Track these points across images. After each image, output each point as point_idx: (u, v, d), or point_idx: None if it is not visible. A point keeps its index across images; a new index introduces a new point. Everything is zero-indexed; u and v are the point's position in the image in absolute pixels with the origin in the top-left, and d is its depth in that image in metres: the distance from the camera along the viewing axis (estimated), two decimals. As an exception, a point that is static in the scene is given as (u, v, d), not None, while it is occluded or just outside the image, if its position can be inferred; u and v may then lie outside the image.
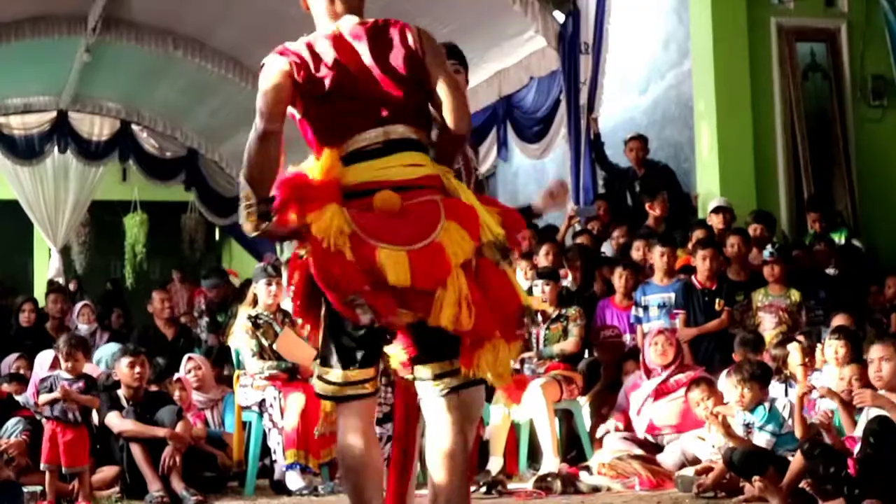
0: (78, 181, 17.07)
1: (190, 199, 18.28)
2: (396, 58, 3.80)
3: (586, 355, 8.57)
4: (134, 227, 18.81)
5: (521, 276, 8.86)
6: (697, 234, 9.02)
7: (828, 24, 10.89)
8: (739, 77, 10.32)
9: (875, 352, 6.01)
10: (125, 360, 7.53)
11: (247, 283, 9.49)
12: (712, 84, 10.30)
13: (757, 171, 10.32)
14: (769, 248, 8.66)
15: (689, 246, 9.00)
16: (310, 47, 3.84)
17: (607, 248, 10.00)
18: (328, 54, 3.80)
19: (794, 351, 7.03)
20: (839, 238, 9.69)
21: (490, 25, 11.61)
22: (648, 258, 8.83)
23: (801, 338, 7.30)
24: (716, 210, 9.53)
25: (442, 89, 3.79)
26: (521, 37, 11.66)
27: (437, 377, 3.69)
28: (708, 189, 10.27)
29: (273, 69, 3.85)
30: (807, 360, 6.96)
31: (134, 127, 16.82)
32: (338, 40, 3.84)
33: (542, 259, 9.07)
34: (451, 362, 3.69)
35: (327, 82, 3.78)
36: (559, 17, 11.06)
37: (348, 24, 3.89)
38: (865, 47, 10.90)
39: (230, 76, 14.09)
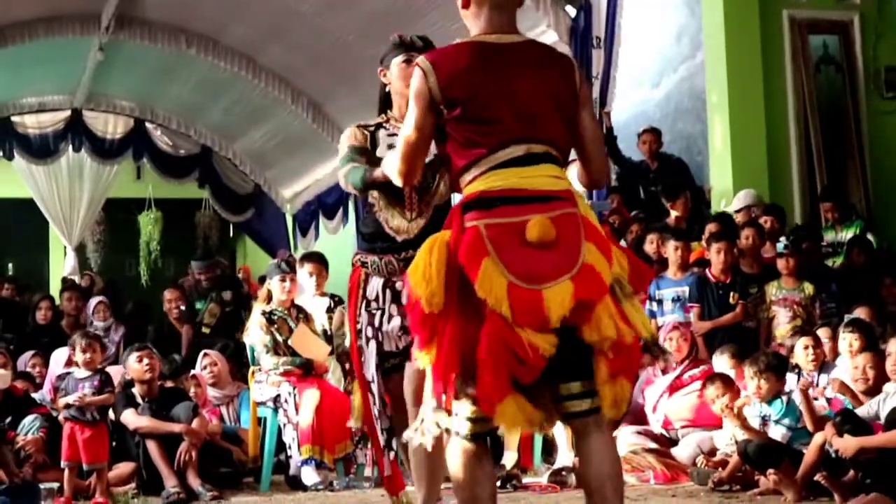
0: (92, 179, 17.10)
1: (204, 196, 18.29)
2: (559, 87, 3.76)
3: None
4: (148, 224, 18.85)
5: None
6: (711, 227, 9.01)
7: (840, 16, 10.89)
8: (752, 69, 10.32)
9: (893, 345, 6.01)
10: (133, 356, 7.58)
11: (261, 280, 9.53)
12: (725, 77, 10.30)
13: (770, 164, 10.32)
14: (783, 240, 8.65)
15: (703, 239, 9.01)
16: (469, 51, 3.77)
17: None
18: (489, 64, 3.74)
19: (799, 346, 7.03)
20: (854, 230, 9.67)
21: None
22: (662, 252, 8.83)
23: (820, 332, 7.31)
24: (743, 209, 9.52)
25: (588, 138, 3.82)
26: (534, 31, 11.61)
27: (585, 395, 3.54)
28: (721, 182, 10.27)
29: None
30: (817, 352, 6.95)
31: (148, 125, 16.83)
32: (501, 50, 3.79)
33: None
34: (591, 382, 3.54)
35: (481, 93, 3.68)
36: (571, 11, 11.03)
37: (512, 38, 3.86)
38: (878, 39, 10.90)
39: (243, 73, 14.10)
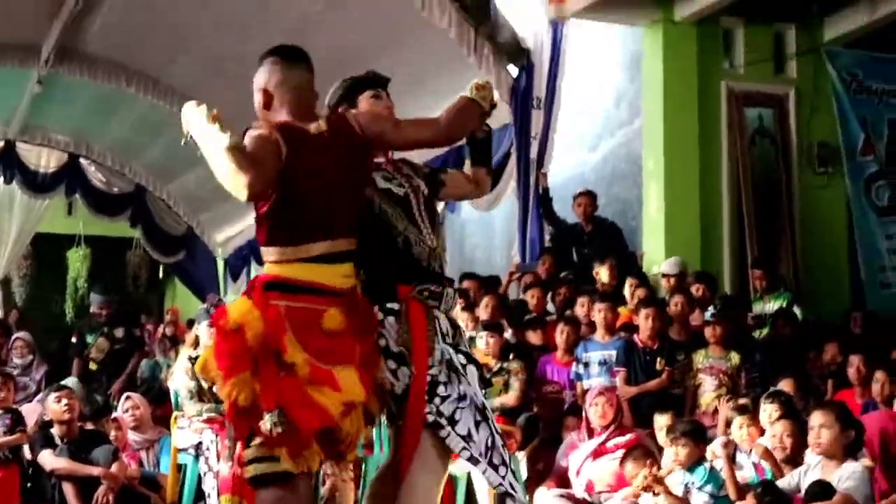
0: (22, 213, 16.90)
1: (135, 235, 18.14)
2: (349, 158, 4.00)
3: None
4: (77, 261, 18.64)
5: (463, 326, 8.86)
6: (640, 293, 9.07)
7: (776, 90, 11.06)
8: (689, 138, 10.45)
9: (815, 418, 6.05)
10: (52, 396, 7.47)
11: (189, 323, 9.43)
12: (662, 144, 10.41)
13: (703, 233, 10.43)
14: (711, 308, 8.71)
15: (629, 303, 9.08)
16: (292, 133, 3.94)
17: (550, 304, 9.99)
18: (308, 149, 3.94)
19: (735, 424, 7.05)
20: (782, 302, 9.78)
21: (444, 76, 11.66)
22: (591, 314, 8.86)
23: (742, 401, 7.35)
24: (664, 275, 9.61)
25: (399, 136, 4.10)
26: (475, 89, 11.71)
27: None
28: (654, 248, 10.35)
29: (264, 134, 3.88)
30: (750, 431, 6.97)
31: (82, 160, 16.68)
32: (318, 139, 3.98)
33: (483, 311, 9.08)
34: None
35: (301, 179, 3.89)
36: (513, 71, 11.14)
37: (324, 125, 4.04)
38: (812, 115, 11.07)
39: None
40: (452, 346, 4.23)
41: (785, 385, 7.46)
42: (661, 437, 7.21)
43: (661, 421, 7.30)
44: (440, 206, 4.77)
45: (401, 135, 4.12)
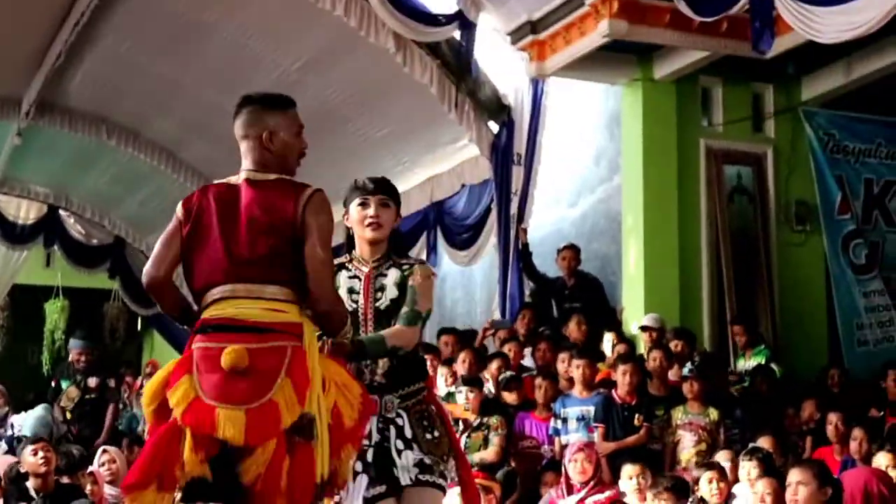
0: (0, 263, 16.85)
1: (114, 287, 18.09)
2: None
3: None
4: (55, 312, 18.57)
5: (442, 381, 8.85)
6: (619, 348, 9.08)
7: (755, 148, 11.15)
8: (668, 195, 10.52)
9: (793, 475, 6.06)
10: (28, 449, 7.39)
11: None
12: (641, 201, 10.47)
13: (681, 288, 10.47)
14: (689, 364, 8.73)
15: (608, 358, 9.09)
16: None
17: (529, 360, 9.97)
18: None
19: (704, 479, 7.05)
20: (760, 359, 9.80)
21: (425, 132, 11.74)
22: (570, 370, 8.85)
23: (721, 455, 7.34)
24: (643, 328, 9.62)
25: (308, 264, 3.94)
26: (455, 144, 11.79)
27: None
28: (633, 303, 10.38)
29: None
30: (721, 485, 6.96)
31: (61, 212, 16.66)
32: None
33: (460, 366, 9.07)
34: None
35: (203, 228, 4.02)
36: (494, 127, 11.21)
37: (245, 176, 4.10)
38: (790, 173, 11.16)
39: (163, 167, 14.06)
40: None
41: (764, 442, 7.46)
42: (629, 486, 7.22)
43: (629, 471, 7.30)
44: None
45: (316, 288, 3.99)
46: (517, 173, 10.90)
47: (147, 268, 4.06)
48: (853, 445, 7.34)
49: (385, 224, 4.63)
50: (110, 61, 12.30)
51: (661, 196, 10.51)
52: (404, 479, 4.50)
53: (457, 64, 10.76)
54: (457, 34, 10.41)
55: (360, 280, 4.61)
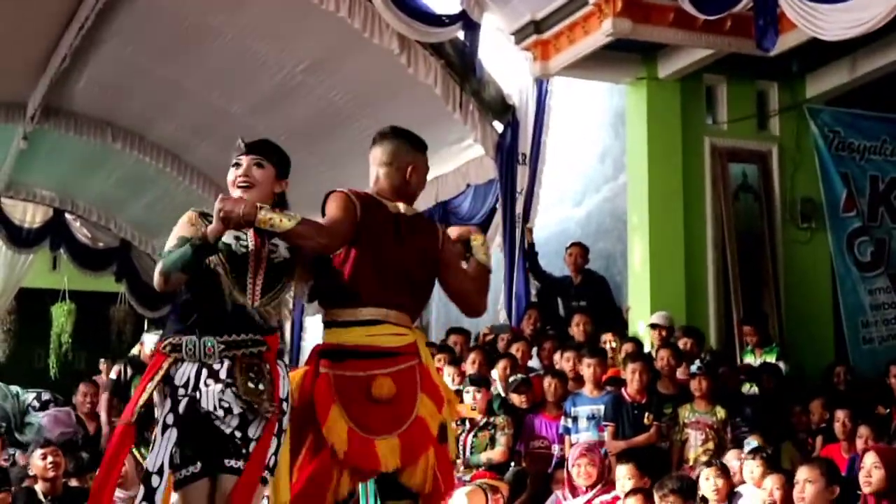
0: (6, 268, 16.89)
1: (120, 290, 18.11)
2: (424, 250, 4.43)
3: (513, 464, 8.52)
4: (61, 316, 18.59)
5: (449, 380, 8.86)
6: (627, 347, 9.08)
7: (760, 146, 11.14)
8: (673, 193, 10.51)
9: (801, 473, 6.07)
10: (38, 453, 7.36)
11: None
12: (646, 199, 10.47)
13: (687, 287, 10.46)
14: (697, 362, 8.73)
15: (613, 355, 9.09)
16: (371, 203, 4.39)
17: (535, 360, 9.97)
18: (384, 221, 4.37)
19: (703, 476, 7.05)
20: (772, 356, 9.79)
21: (430, 132, 11.64)
22: (578, 369, 8.86)
23: (731, 455, 7.35)
24: (652, 325, 9.62)
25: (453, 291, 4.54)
26: (460, 144, 11.81)
27: None
28: (640, 302, 10.37)
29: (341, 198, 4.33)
30: (719, 483, 6.95)
31: (67, 216, 16.69)
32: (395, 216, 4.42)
33: (469, 367, 9.08)
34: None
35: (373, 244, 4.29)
36: (498, 127, 11.22)
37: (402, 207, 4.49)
38: (795, 170, 11.15)
39: (168, 170, 14.08)
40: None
41: (756, 440, 7.52)
42: (622, 486, 7.22)
43: (623, 471, 7.30)
44: None
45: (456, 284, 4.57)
46: (522, 173, 10.92)
47: (322, 239, 4.12)
48: (859, 443, 7.33)
49: (260, 183, 4.29)
50: (115, 65, 12.32)
51: (667, 195, 10.51)
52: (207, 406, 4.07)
53: (461, 64, 10.78)
54: (461, 34, 10.43)
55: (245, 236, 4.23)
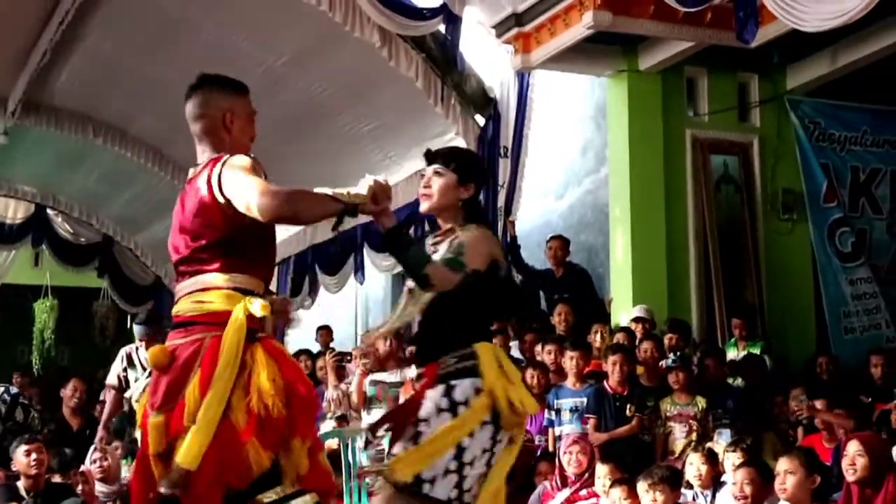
0: (-12, 264, 16.83)
1: (102, 285, 18.07)
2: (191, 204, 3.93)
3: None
4: (43, 312, 18.54)
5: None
6: (619, 336, 9.09)
7: (741, 137, 11.18)
8: (654, 186, 10.54)
9: (781, 464, 6.09)
10: (21, 449, 7.34)
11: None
12: (628, 192, 10.49)
13: (669, 278, 10.48)
14: (671, 356, 8.75)
15: (601, 346, 9.11)
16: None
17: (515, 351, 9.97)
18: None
19: (688, 462, 7.08)
20: (757, 348, 9.82)
21: (411, 126, 11.74)
22: (559, 361, 8.86)
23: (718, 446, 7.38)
24: (636, 319, 9.64)
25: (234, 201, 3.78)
26: (442, 138, 11.79)
27: None
28: (622, 294, 10.40)
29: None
30: (702, 469, 7.00)
31: (49, 211, 16.63)
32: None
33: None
34: None
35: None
36: (480, 120, 11.22)
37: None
38: (777, 162, 11.19)
39: (149, 165, 14.04)
40: None
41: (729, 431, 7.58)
42: (600, 485, 7.24)
43: (602, 471, 7.30)
44: None
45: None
46: (504, 166, 10.93)
47: None
48: (838, 431, 7.37)
49: (436, 194, 4.30)
50: (95, 60, 12.28)
51: (648, 187, 10.53)
52: None
53: (442, 57, 10.77)
54: (442, 28, 10.43)
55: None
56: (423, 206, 4.33)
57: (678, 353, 8.94)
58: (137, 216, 16.05)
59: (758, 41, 9.00)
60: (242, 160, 3.83)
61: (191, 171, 4.00)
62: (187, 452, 3.64)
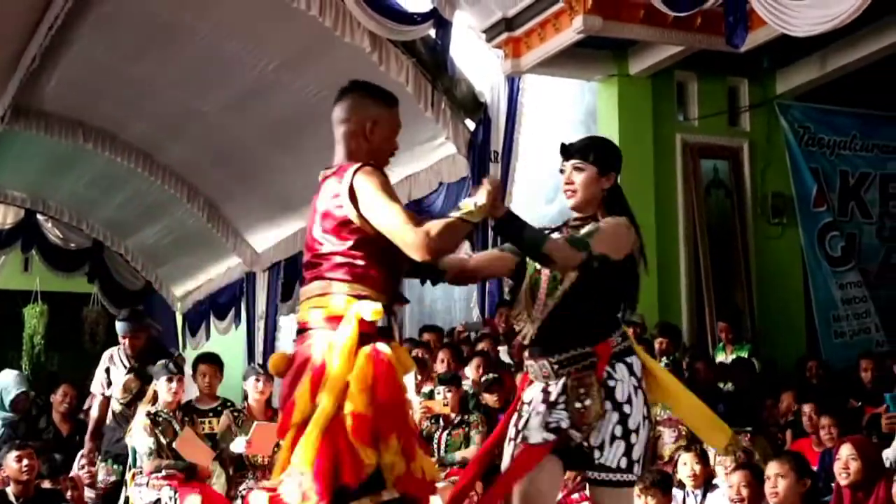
0: (-22, 270, 16.79)
1: (92, 290, 18.03)
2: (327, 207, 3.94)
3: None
4: (33, 317, 18.49)
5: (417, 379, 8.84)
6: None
7: (731, 142, 11.21)
8: (644, 190, 10.54)
9: (771, 468, 6.10)
10: (12, 455, 7.30)
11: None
12: (618, 196, 10.48)
13: (660, 283, 10.48)
14: (664, 360, 8.76)
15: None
16: None
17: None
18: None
19: (680, 462, 7.09)
20: (745, 353, 9.83)
21: (402, 130, 11.73)
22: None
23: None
24: (626, 323, 9.63)
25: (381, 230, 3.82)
26: (433, 143, 11.81)
27: None
28: (612, 299, 10.39)
29: None
30: (695, 469, 7.01)
31: (39, 216, 16.60)
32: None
33: (439, 365, 9.08)
34: None
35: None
36: (470, 124, 11.23)
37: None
38: (766, 166, 11.22)
39: (140, 170, 14.02)
40: None
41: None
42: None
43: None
44: None
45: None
46: (494, 170, 10.93)
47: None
48: (822, 433, 7.38)
49: (579, 189, 4.35)
50: (85, 64, 12.26)
51: (638, 191, 10.51)
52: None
53: (432, 62, 10.78)
54: (432, 32, 10.43)
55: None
56: (570, 203, 4.39)
57: (668, 357, 8.94)
58: (128, 221, 16.02)
59: (747, 46, 9.02)
60: (374, 178, 3.86)
61: (320, 173, 4.05)
62: (303, 455, 3.73)
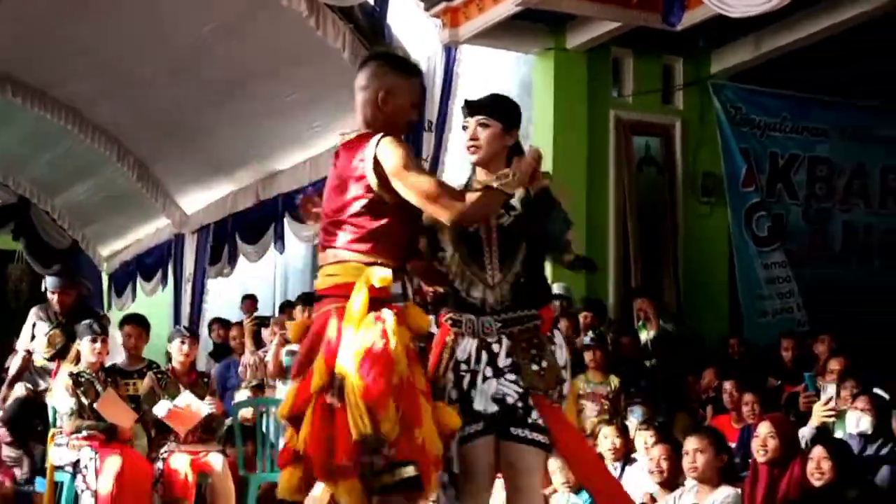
0: None
1: (18, 248, 17.80)
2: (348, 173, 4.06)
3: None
4: (-44, 274, 18.25)
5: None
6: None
7: (664, 120, 11.28)
8: (577, 165, 10.59)
9: (690, 443, 6.18)
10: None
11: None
12: (550, 169, 10.43)
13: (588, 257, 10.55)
14: (590, 333, 8.83)
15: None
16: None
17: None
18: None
19: (601, 436, 7.17)
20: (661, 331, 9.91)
21: (335, 97, 11.65)
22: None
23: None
24: (553, 296, 9.68)
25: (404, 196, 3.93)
26: (367, 109, 11.74)
27: None
28: (541, 271, 10.44)
29: None
30: (616, 442, 7.09)
31: (-37, 172, 16.33)
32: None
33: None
34: None
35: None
36: (406, 93, 11.18)
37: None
38: (698, 145, 11.31)
39: (70, 127, 13.82)
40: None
41: (641, 409, 7.67)
42: None
43: None
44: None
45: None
46: (428, 140, 10.90)
47: None
48: (745, 410, 7.49)
49: (484, 145, 4.33)
50: (17, 21, 12.04)
51: (571, 165, 10.57)
52: (483, 408, 4.12)
53: (370, 29, 10.71)
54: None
55: None
56: (473, 158, 4.38)
57: (594, 332, 9.02)
58: (56, 179, 15.79)
59: (683, 25, 9.10)
60: (397, 150, 3.93)
61: (341, 138, 4.14)
62: (355, 423, 3.74)
